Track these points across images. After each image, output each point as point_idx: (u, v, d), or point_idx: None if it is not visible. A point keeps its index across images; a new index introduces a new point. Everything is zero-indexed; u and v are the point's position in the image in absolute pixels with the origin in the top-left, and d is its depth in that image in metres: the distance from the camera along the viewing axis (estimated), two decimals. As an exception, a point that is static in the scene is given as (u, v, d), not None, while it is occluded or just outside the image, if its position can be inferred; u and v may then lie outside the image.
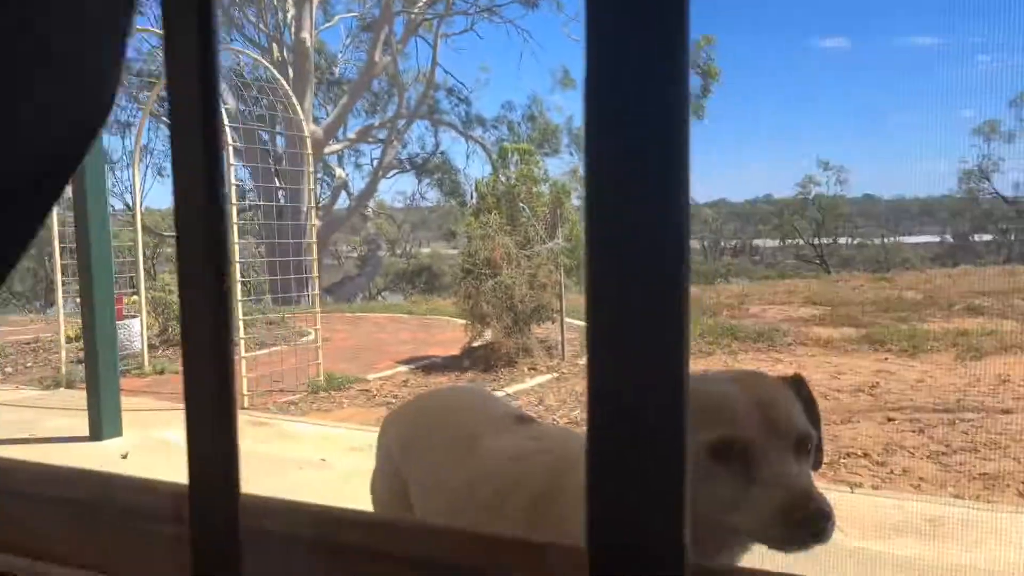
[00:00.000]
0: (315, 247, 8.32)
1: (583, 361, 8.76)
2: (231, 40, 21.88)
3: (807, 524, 1.19)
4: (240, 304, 7.82)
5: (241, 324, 7.81)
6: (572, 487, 1.50)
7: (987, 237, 31.74)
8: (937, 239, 37.09)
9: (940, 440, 5.63)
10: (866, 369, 7.80)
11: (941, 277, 14.74)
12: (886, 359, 8.26)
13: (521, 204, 8.20)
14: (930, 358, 8.18)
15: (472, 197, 8.67)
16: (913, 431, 5.80)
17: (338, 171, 24.72)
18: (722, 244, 40.29)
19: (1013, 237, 30.71)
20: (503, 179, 8.38)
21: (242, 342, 7.83)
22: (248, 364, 7.95)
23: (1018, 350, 8.27)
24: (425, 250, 32.05)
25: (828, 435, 5.95)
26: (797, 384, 1.49)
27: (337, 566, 0.88)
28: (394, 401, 7.55)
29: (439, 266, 27.08)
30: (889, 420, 6.15)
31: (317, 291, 8.56)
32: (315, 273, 8.22)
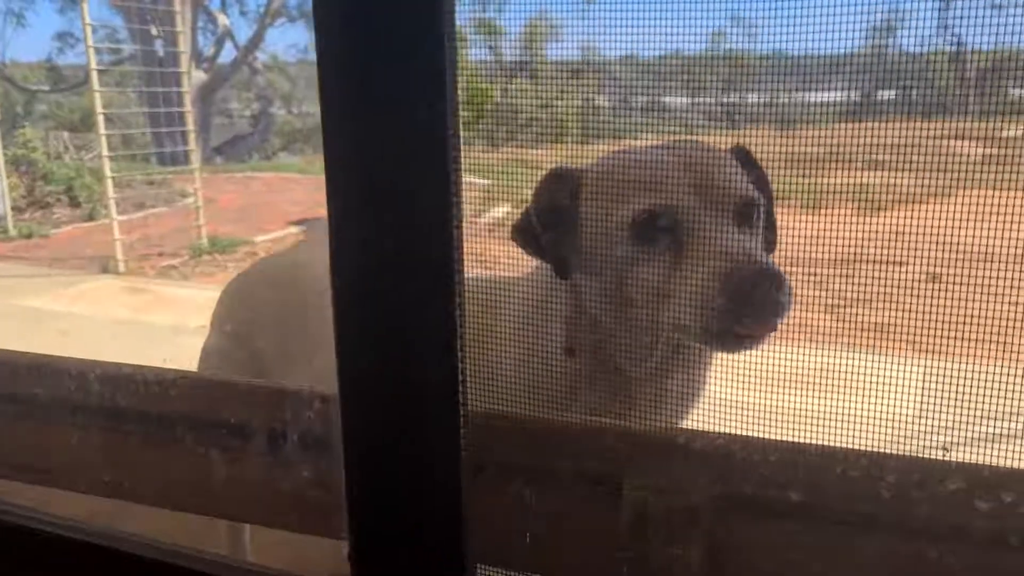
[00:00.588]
0: (186, 97, 7.60)
1: (483, 220, 8.47)
2: None
3: (758, 291, 0.95)
4: (107, 161, 7.15)
5: (110, 183, 7.17)
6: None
7: (891, 94, 32.41)
8: (843, 96, 37.75)
9: (835, 292, 5.68)
10: (766, 224, 7.79)
11: (844, 132, 14.90)
12: (787, 212, 8.27)
13: (414, 51, 7.63)
14: (830, 212, 8.22)
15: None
16: (809, 285, 5.82)
17: (220, 17, 22.90)
18: (631, 101, 40.09)
19: (915, 94, 31.37)
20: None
21: (112, 203, 7.22)
22: (121, 227, 7.37)
23: (914, 203, 8.38)
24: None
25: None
26: (741, 153, 1.29)
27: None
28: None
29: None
30: (787, 274, 6.16)
31: (193, 147, 7.89)
32: (190, 126, 7.54)
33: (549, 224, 1.17)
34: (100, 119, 6.94)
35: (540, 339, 1.22)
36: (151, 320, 5.63)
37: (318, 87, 0.40)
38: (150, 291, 6.54)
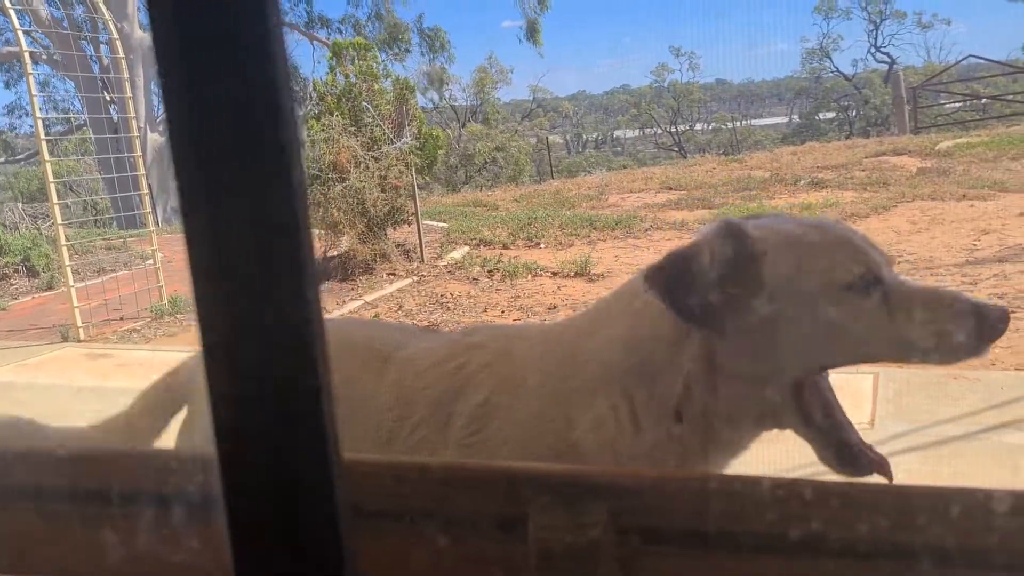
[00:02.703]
0: (140, 161, 7.62)
1: (443, 262, 8.58)
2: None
3: (990, 310, 1.16)
4: (62, 229, 7.13)
5: (65, 251, 7.14)
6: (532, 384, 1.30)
7: (830, 115, 33.20)
8: (785, 119, 38.55)
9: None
10: (719, 248, 7.96)
11: (787, 155, 15.24)
12: (738, 237, 8.46)
13: (364, 103, 7.74)
14: (778, 233, 8.43)
15: (311, 99, 8.11)
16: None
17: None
18: (584, 137, 40.54)
19: (854, 113, 32.22)
20: (341, 78, 7.86)
21: (68, 270, 7.17)
22: (81, 293, 7.32)
23: (856, 217, 8.63)
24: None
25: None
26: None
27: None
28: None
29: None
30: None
31: (148, 209, 7.90)
32: (143, 189, 7.55)
33: (723, 282, 1.18)
34: (52, 188, 6.93)
35: (647, 399, 1.24)
36: (114, 385, 5.58)
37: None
38: (112, 356, 6.49)
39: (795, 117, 36.71)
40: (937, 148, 13.22)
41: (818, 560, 0.69)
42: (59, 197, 7.13)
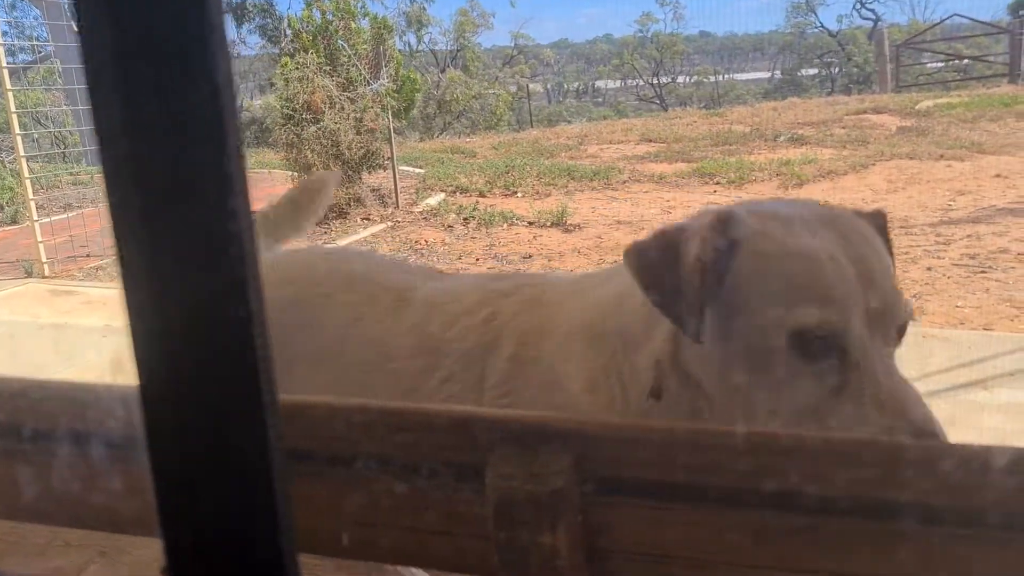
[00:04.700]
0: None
1: (418, 208, 8.47)
2: None
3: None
4: (25, 162, 6.93)
5: (29, 185, 6.95)
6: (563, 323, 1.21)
7: (812, 71, 33.06)
8: (767, 74, 38.35)
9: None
10: (696, 202, 7.92)
11: (768, 111, 15.17)
12: (715, 191, 8.43)
13: (340, 42, 7.54)
14: (754, 187, 8.41)
15: (286, 36, 7.88)
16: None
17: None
18: (565, 86, 40.10)
19: (836, 70, 32.09)
20: (317, 14, 7.63)
21: (32, 204, 7.00)
22: (46, 229, 7.15)
23: (834, 175, 8.62)
24: (257, 101, 30.18)
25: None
26: (880, 222, 1.12)
27: None
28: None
29: (273, 117, 25.56)
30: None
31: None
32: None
33: (703, 276, 1.02)
34: (14, 119, 6.72)
35: (621, 371, 1.15)
36: (79, 323, 5.49)
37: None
38: (78, 293, 6.37)
39: (777, 72, 36.52)
40: (917, 107, 13.21)
41: (790, 515, 0.66)
42: (25, 129, 6.91)
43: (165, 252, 0.39)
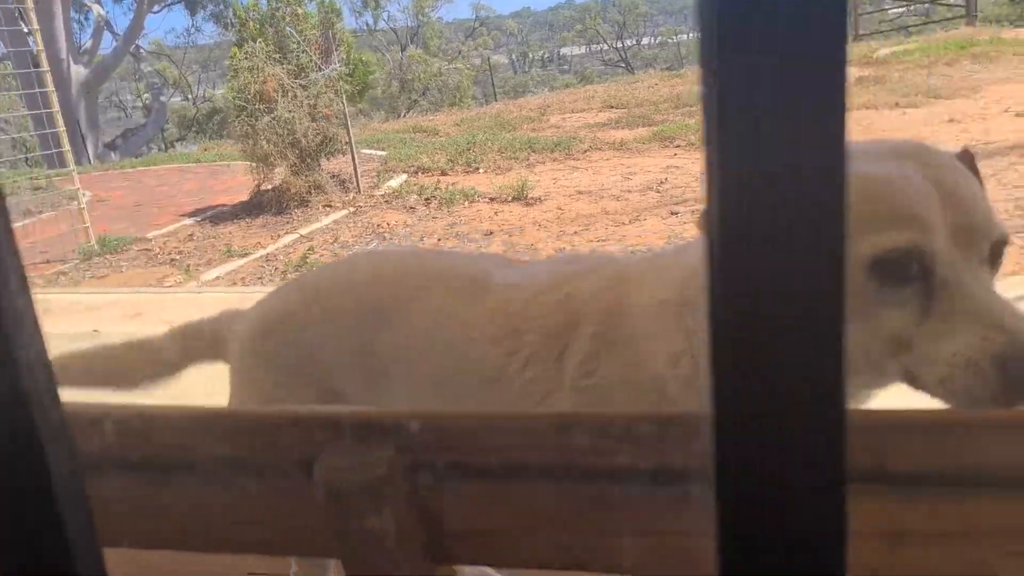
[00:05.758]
0: (54, 96, 7.31)
1: (380, 192, 8.45)
2: None
3: None
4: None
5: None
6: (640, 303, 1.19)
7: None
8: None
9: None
10: (656, 167, 7.96)
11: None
12: (675, 155, 8.46)
13: (288, 28, 7.47)
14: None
15: (232, 26, 7.80)
16: (693, 223, 6.01)
17: (95, 8, 21.85)
18: (530, 56, 39.83)
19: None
20: (263, 1, 7.55)
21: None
22: None
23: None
24: (219, 91, 29.88)
25: (616, 236, 6.07)
26: (968, 160, 1.05)
27: None
28: (178, 257, 7.03)
29: (227, 108, 25.31)
30: (672, 214, 6.33)
31: (67, 147, 7.61)
32: (60, 126, 7.27)
33: None
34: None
35: (699, 346, 1.10)
36: (43, 331, 5.48)
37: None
38: (39, 301, 6.35)
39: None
40: (876, 56, 13.25)
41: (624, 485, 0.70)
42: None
43: None
